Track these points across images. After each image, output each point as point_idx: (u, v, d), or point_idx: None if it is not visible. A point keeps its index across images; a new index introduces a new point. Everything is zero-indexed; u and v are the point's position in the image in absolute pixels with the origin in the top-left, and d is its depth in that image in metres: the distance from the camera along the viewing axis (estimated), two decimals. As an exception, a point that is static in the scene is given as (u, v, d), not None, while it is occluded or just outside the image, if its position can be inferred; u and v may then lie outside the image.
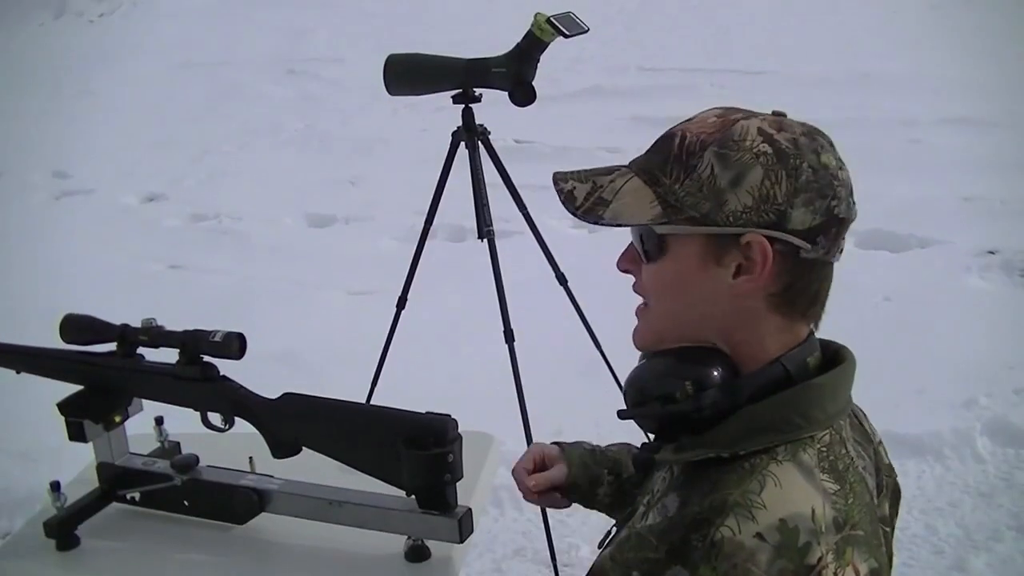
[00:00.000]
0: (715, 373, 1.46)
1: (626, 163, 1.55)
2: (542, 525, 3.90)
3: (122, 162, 10.61)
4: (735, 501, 1.35)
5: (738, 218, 1.42)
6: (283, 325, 5.62)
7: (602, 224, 1.49)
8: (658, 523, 1.42)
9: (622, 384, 1.58)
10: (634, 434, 1.82)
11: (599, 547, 1.65)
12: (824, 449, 1.45)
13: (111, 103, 13.82)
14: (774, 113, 1.49)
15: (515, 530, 4.20)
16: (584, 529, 4.16)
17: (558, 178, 1.55)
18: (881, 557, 1.44)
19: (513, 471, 2.08)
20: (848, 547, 1.37)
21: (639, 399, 1.52)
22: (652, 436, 1.55)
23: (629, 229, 1.54)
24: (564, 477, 2.07)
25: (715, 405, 1.45)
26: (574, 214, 1.51)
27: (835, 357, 1.55)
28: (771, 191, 1.41)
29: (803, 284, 1.47)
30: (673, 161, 1.46)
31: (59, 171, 10.51)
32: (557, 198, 1.55)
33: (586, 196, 1.50)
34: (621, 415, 1.56)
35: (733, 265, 1.45)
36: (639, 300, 1.59)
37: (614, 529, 1.69)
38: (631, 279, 1.58)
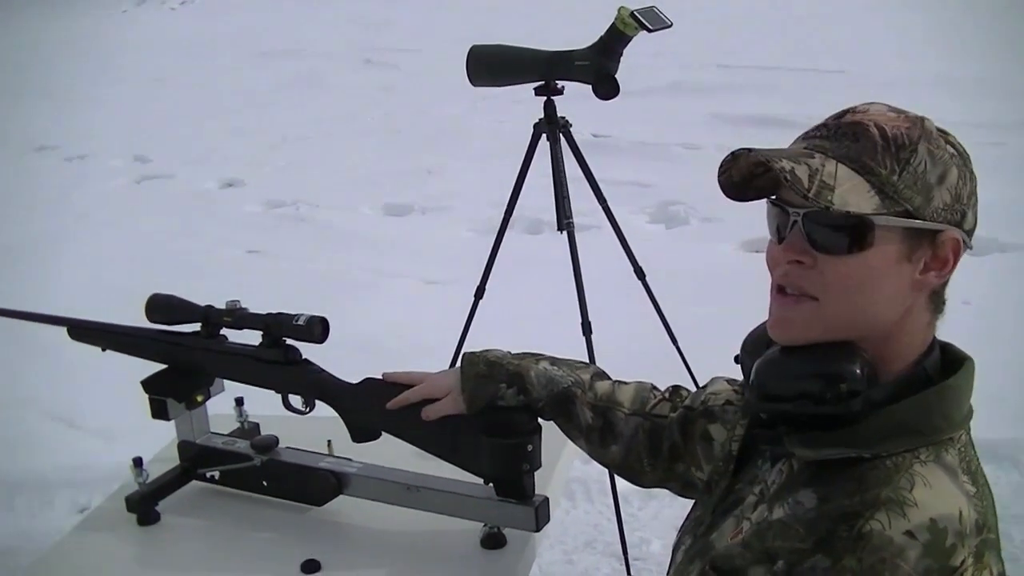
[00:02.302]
0: (860, 372, 1.43)
1: (790, 146, 1.51)
2: (613, 518, 3.90)
3: (201, 148, 10.73)
4: (887, 497, 1.35)
5: (939, 214, 1.42)
6: (359, 312, 5.63)
7: (832, 211, 1.39)
8: (802, 515, 1.41)
9: (751, 374, 1.53)
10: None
11: (683, 531, 1.65)
12: (962, 450, 1.45)
13: (192, 89, 13.98)
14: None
15: (586, 522, 4.20)
16: (655, 524, 4.15)
17: (770, 158, 1.42)
18: (1002, 561, 1.44)
19: (408, 392, 2.09)
20: (986, 550, 1.37)
21: (778, 394, 1.48)
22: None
23: (768, 214, 1.52)
24: (460, 407, 2.04)
25: (858, 404, 1.42)
26: (804, 196, 1.40)
27: (951, 356, 1.53)
28: (962, 191, 1.43)
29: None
30: (883, 151, 1.42)
31: (140, 155, 10.65)
32: (717, 184, 1.52)
33: (809, 179, 1.41)
34: (759, 408, 1.53)
35: (921, 261, 1.44)
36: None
37: (700, 514, 1.68)
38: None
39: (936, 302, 1.49)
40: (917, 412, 1.42)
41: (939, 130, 1.46)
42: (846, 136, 1.45)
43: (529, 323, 4.92)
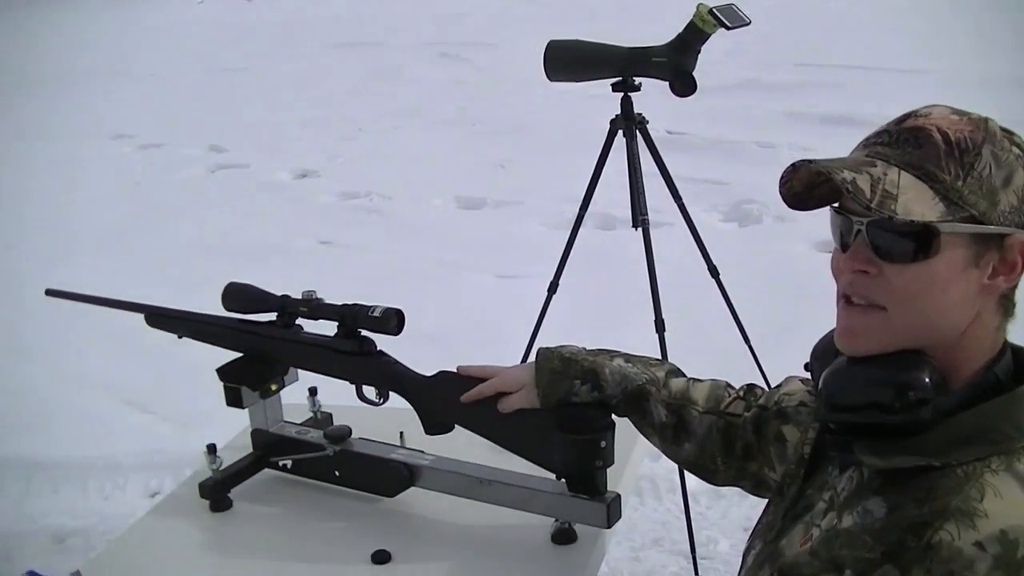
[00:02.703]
0: (928, 381, 1.40)
1: (851, 154, 1.50)
2: (681, 516, 3.88)
3: (276, 138, 10.80)
4: (956, 507, 1.32)
5: (1006, 218, 1.39)
6: (431, 305, 5.65)
7: (896, 219, 1.37)
8: (869, 524, 1.40)
9: (818, 384, 1.52)
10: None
11: (755, 535, 1.63)
12: None
13: (266, 80, 14.09)
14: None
15: (654, 520, 4.19)
16: (723, 523, 4.14)
17: (830, 169, 1.41)
18: None
19: (482, 386, 2.09)
20: None
21: (846, 404, 1.46)
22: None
23: (831, 222, 1.49)
24: (533, 401, 2.04)
25: (927, 412, 1.39)
26: (866, 207, 1.38)
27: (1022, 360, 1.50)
28: None
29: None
30: (946, 157, 1.40)
31: (215, 145, 10.73)
32: (778, 191, 1.50)
33: (871, 188, 1.38)
34: (828, 417, 1.50)
35: (989, 266, 1.41)
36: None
37: (770, 520, 1.66)
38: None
39: (1006, 306, 1.46)
40: (988, 420, 1.39)
41: (1003, 130, 1.43)
42: (908, 142, 1.42)
43: (601, 319, 4.93)
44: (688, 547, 3.72)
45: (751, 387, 1.99)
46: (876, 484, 1.44)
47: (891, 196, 1.37)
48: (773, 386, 1.93)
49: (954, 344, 1.44)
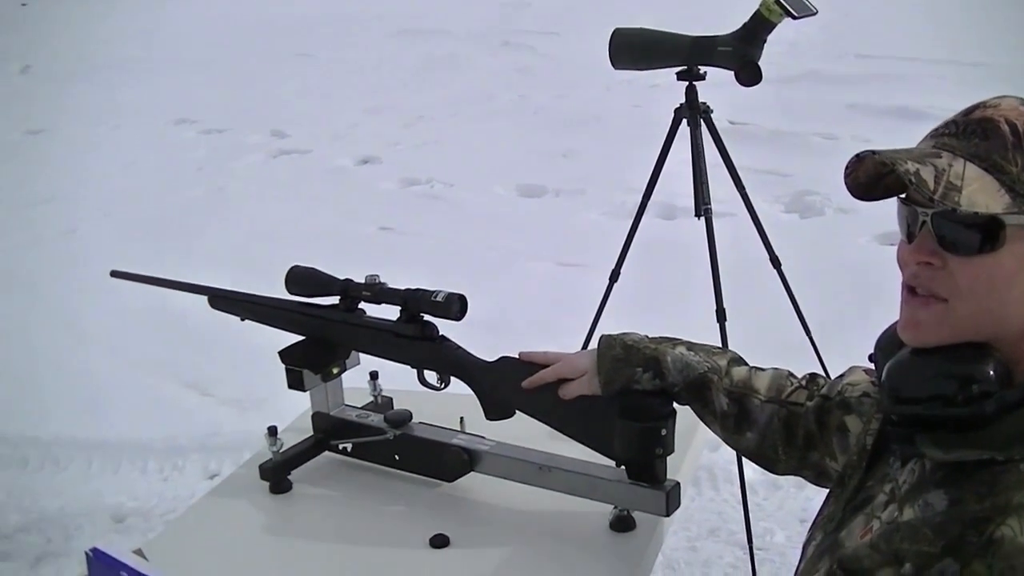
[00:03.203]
0: (992, 374, 1.39)
1: (918, 145, 1.48)
2: (738, 506, 3.87)
3: (338, 124, 10.84)
4: (1019, 503, 1.30)
5: None
6: (492, 292, 5.64)
7: (959, 211, 1.37)
8: (930, 517, 1.38)
9: (881, 375, 1.51)
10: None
11: (817, 526, 1.62)
12: None
13: (328, 66, 14.13)
14: None
15: (711, 510, 4.18)
16: (780, 514, 4.12)
17: (894, 160, 1.40)
18: None
19: (544, 372, 2.09)
20: None
21: (909, 396, 1.45)
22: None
23: (898, 213, 1.48)
24: (595, 388, 2.04)
25: (991, 405, 1.38)
26: (929, 198, 1.38)
27: None
28: None
29: None
30: (1013, 148, 1.38)
31: (277, 131, 10.78)
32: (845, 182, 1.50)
33: (935, 180, 1.38)
34: (891, 409, 1.49)
35: None
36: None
37: (832, 510, 1.65)
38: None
39: None
40: None
41: None
42: (975, 133, 1.40)
43: (662, 308, 4.92)
44: (744, 538, 3.71)
45: (813, 376, 1.98)
46: (938, 477, 1.42)
47: (955, 188, 1.36)
48: (836, 376, 1.91)
49: (1019, 338, 1.42)
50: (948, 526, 1.35)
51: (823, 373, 2.12)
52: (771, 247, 3.70)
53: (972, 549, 1.30)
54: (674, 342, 2.03)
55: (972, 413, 1.38)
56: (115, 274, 2.55)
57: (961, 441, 1.39)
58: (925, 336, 1.46)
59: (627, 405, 1.99)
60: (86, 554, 1.64)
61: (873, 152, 1.44)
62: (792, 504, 4.17)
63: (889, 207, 1.50)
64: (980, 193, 1.36)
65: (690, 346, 2.03)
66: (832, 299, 5.20)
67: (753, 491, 3.98)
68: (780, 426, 1.94)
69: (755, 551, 3.66)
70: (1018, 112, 1.40)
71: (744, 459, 3.44)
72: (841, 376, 1.90)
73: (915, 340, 1.47)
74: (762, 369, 2.01)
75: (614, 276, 3.76)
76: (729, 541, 4.01)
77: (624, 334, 2.05)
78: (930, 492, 1.41)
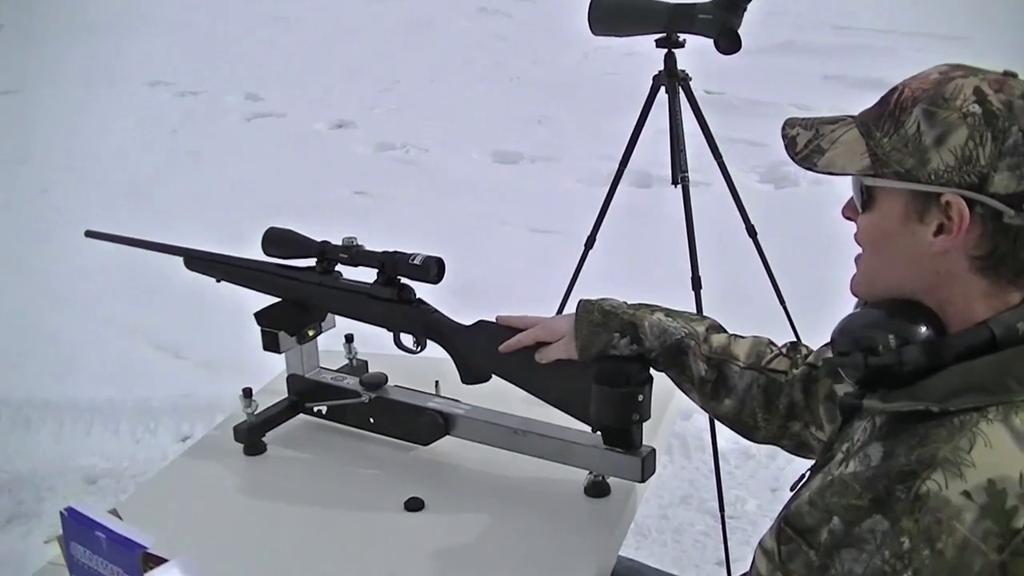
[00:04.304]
0: (918, 329, 1.44)
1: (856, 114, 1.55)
2: (709, 474, 3.89)
3: (313, 88, 10.80)
4: (944, 456, 1.32)
5: (939, 177, 1.40)
6: (463, 257, 5.59)
7: (816, 171, 1.51)
8: (861, 472, 1.40)
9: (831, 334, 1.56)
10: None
11: (791, 490, 1.63)
12: None
13: (304, 30, 14.05)
14: (1004, 73, 1.45)
15: (683, 478, 4.20)
16: (752, 483, 4.14)
17: (787, 124, 1.56)
18: None
19: (521, 336, 2.10)
20: None
21: (843, 348, 1.51)
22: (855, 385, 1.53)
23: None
24: (572, 353, 2.04)
25: (916, 361, 1.42)
26: (793, 159, 1.53)
27: None
28: (974, 152, 1.38)
29: (1007, 250, 1.42)
30: (887, 115, 1.46)
31: (252, 94, 10.73)
32: (781, 147, 1.56)
33: (806, 143, 1.52)
34: (826, 362, 1.56)
35: (934, 224, 1.42)
36: (851, 255, 1.57)
37: (807, 474, 1.66)
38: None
39: (983, 268, 1.44)
40: (988, 371, 1.40)
41: (990, 88, 1.41)
42: (879, 102, 1.51)
43: (637, 276, 4.91)
44: (715, 505, 3.71)
45: (795, 344, 1.99)
46: (882, 432, 1.45)
47: (820, 150, 1.50)
48: (822, 344, 1.92)
49: (940, 299, 1.47)
50: (876, 480, 1.36)
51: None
52: (747, 216, 3.70)
53: (901, 506, 1.31)
54: (652, 308, 2.03)
55: (897, 364, 1.43)
56: (89, 234, 2.53)
57: (899, 394, 1.43)
58: (855, 288, 1.58)
59: (604, 370, 1.99)
60: (61, 514, 1.64)
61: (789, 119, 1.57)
62: (764, 473, 4.19)
63: None
64: (841, 156, 1.48)
65: (668, 312, 2.03)
66: (806, 270, 5.20)
67: (725, 460, 3.98)
68: (759, 393, 1.95)
69: (727, 519, 3.66)
70: (923, 82, 1.46)
71: (718, 428, 3.47)
72: (827, 345, 1.90)
73: (852, 292, 1.59)
74: (741, 336, 2.01)
75: (589, 243, 3.75)
76: (700, 509, 4.02)
77: (602, 299, 2.04)
78: (872, 445, 1.43)
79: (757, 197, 6.45)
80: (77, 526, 1.61)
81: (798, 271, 4.33)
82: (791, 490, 1.65)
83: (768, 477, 4.17)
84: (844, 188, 1.57)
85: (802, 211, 6.67)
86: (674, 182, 3.57)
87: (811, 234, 6.13)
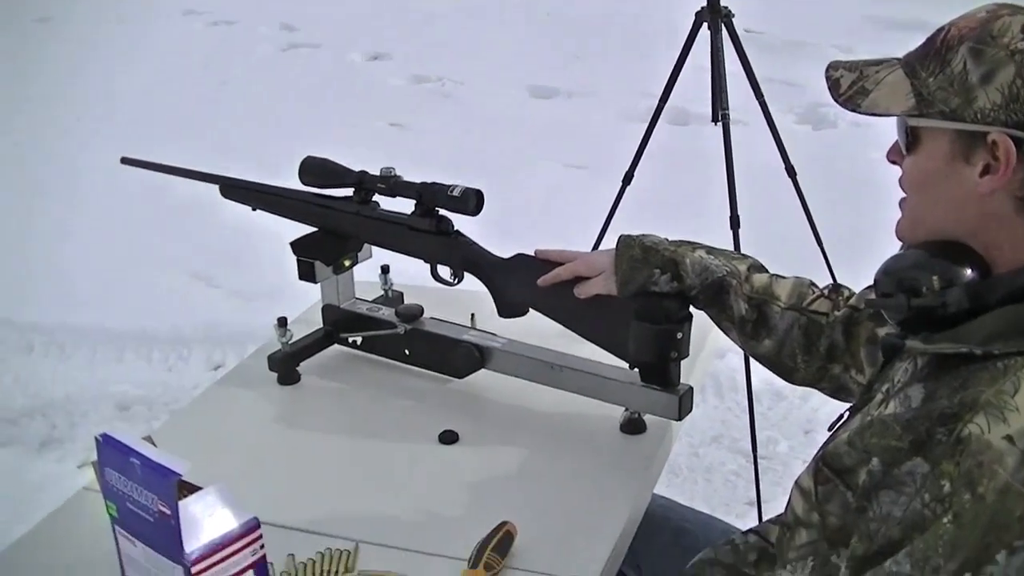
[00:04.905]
0: (963, 271, 1.42)
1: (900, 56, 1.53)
2: (741, 414, 3.88)
3: (349, 19, 10.71)
4: (987, 400, 1.30)
5: (986, 115, 1.38)
6: (498, 192, 5.59)
7: (860, 112, 1.49)
8: (902, 413, 1.38)
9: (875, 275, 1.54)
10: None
11: (829, 430, 1.62)
12: None
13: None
14: None
15: (715, 417, 4.19)
16: (784, 424, 4.13)
17: (831, 66, 1.54)
18: None
19: (560, 269, 2.08)
20: None
21: (887, 289, 1.49)
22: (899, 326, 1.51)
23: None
24: (611, 288, 2.02)
25: (959, 304, 1.41)
26: (836, 101, 1.51)
27: None
28: (1022, 90, 1.36)
29: None
30: (932, 54, 1.44)
31: (286, 24, 10.67)
32: (825, 87, 1.53)
33: (850, 85, 1.50)
34: (868, 304, 1.55)
35: (980, 164, 1.40)
36: (896, 197, 1.54)
37: (846, 414, 1.64)
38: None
39: None
40: None
41: None
42: (925, 42, 1.48)
43: (674, 214, 4.88)
44: (747, 445, 3.71)
45: (837, 286, 1.96)
46: (923, 373, 1.43)
47: (864, 92, 1.49)
48: (864, 286, 1.89)
49: (985, 242, 1.44)
50: (917, 422, 1.34)
51: (834, 281, 2.11)
52: (787, 156, 3.66)
53: (941, 449, 1.30)
54: (694, 245, 2.01)
55: (940, 307, 1.42)
56: (125, 161, 2.52)
57: (942, 336, 1.41)
58: (900, 232, 1.55)
59: (643, 307, 1.96)
60: (96, 439, 1.63)
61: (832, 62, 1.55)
62: (797, 414, 4.18)
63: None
64: (886, 97, 1.47)
65: (710, 250, 2.01)
66: (843, 212, 5.17)
67: (758, 400, 3.96)
68: (800, 334, 1.93)
69: (758, 459, 3.66)
70: (969, 20, 1.43)
71: (752, 368, 3.45)
72: (869, 287, 1.87)
73: (897, 236, 1.56)
74: (783, 277, 1.99)
75: (627, 179, 3.72)
76: (732, 449, 4.02)
77: (643, 235, 2.02)
78: (913, 387, 1.42)
79: (795, 138, 6.37)
80: (112, 452, 1.60)
81: (835, 213, 4.30)
82: (829, 430, 1.63)
83: (801, 418, 4.15)
84: (883, 131, 1.55)
85: (840, 153, 6.63)
86: (714, 119, 3.53)
87: (849, 176, 6.10)
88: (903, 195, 1.54)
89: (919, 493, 1.30)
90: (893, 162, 1.54)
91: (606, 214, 3.77)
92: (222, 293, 5.31)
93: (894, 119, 1.49)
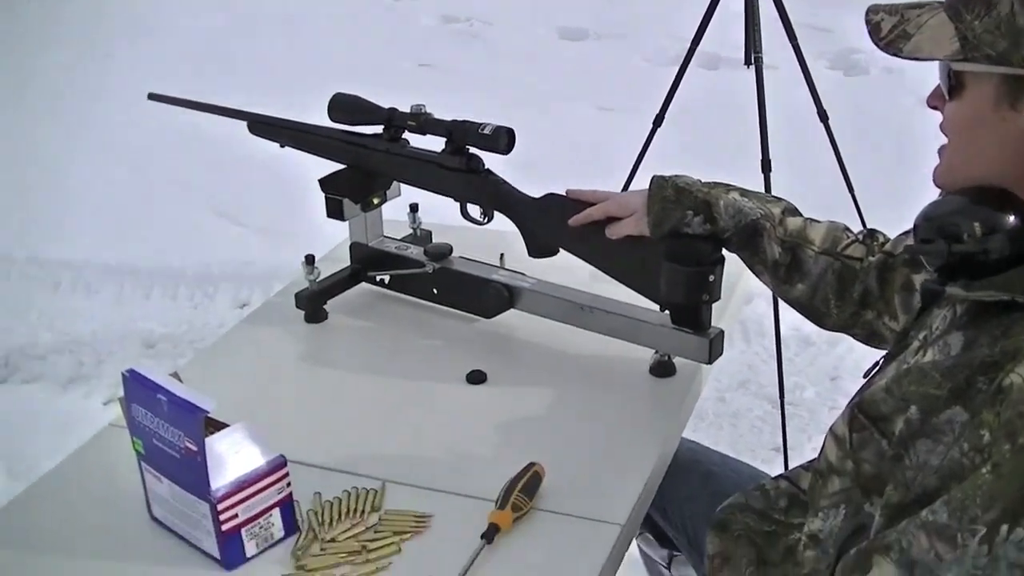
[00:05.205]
0: (1005, 218, 1.39)
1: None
2: (769, 360, 3.86)
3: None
4: None
5: None
6: (529, 133, 5.57)
7: (901, 57, 1.45)
8: (941, 361, 1.36)
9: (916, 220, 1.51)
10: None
11: (863, 377, 1.60)
12: None
13: None
14: None
15: (741, 362, 4.17)
16: (811, 370, 4.11)
17: (871, 10, 1.49)
18: None
19: (592, 209, 2.05)
20: None
21: (927, 235, 1.46)
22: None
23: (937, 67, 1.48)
24: (643, 229, 1.99)
25: (1001, 251, 1.38)
26: (877, 45, 1.46)
27: None
28: None
29: None
30: None
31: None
32: (858, 33, 1.51)
33: (891, 28, 1.45)
34: (907, 249, 1.51)
35: None
36: (936, 144, 1.51)
37: (880, 361, 1.62)
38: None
39: None
40: None
41: None
42: None
43: (705, 157, 4.85)
44: (773, 391, 3.69)
45: (872, 232, 1.94)
46: (963, 321, 1.41)
47: (906, 35, 1.44)
48: (900, 233, 1.87)
49: (1018, 181, 1.42)
50: (957, 370, 1.32)
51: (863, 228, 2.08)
52: (819, 100, 3.62)
53: (981, 398, 1.27)
54: (727, 187, 1.98)
55: (981, 253, 1.39)
56: (152, 97, 2.50)
57: (984, 284, 1.38)
58: (939, 178, 1.52)
59: (675, 248, 1.94)
60: (123, 375, 1.62)
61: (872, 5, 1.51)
62: (824, 361, 4.15)
63: (935, 71, 1.49)
64: (928, 41, 1.42)
65: (744, 192, 1.98)
66: (874, 158, 5.13)
67: (785, 346, 3.93)
68: (834, 279, 1.90)
69: (785, 405, 3.64)
70: None
71: (780, 315, 3.43)
72: (905, 233, 1.85)
73: (936, 183, 1.52)
74: (817, 221, 1.96)
75: (658, 121, 3.69)
76: (759, 394, 4.00)
77: (676, 176, 1.99)
78: (952, 334, 1.40)
79: (826, 84, 6.34)
80: (139, 388, 1.60)
81: (866, 159, 4.27)
82: (864, 377, 1.61)
83: (827, 365, 4.13)
84: (916, 77, 1.53)
85: (872, 100, 6.57)
86: (747, 62, 3.51)
87: (880, 123, 6.06)
88: (943, 141, 1.51)
89: (957, 442, 1.28)
90: (934, 107, 1.50)
91: (635, 156, 3.74)
92: (248, 231, 5.31)
93: (934, 64, 1.46)
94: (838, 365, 4.11)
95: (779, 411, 3.58)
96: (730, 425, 3.86)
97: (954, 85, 1.43)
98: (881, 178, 4.69)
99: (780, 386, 3.55)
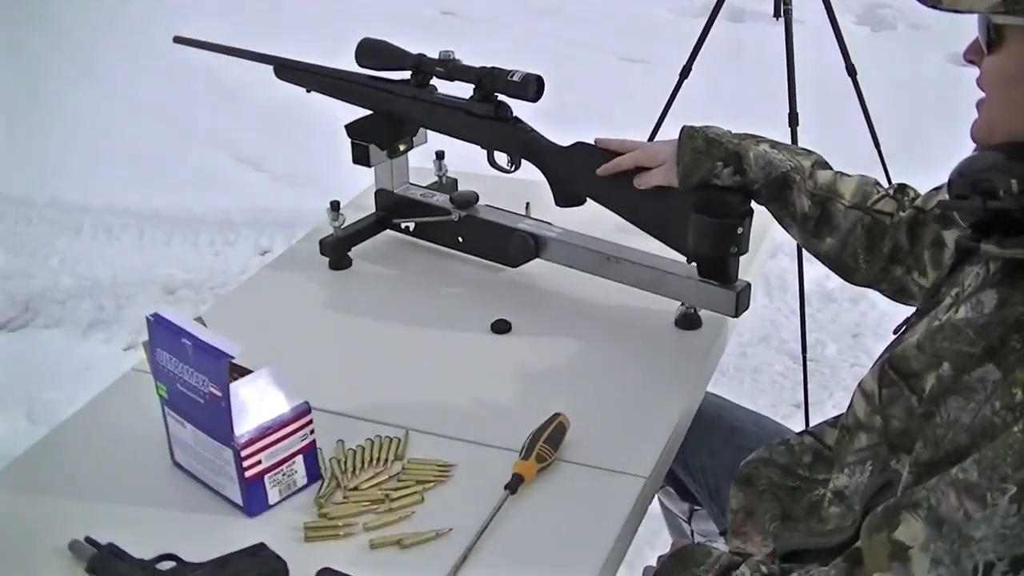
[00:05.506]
0: None
1: None
2: (791, 315, 3.84)
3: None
4: None
5: None
6: (554, 82, 5.54)
7: (940, 9, 1.40)
8: (975, 318, 1.34)
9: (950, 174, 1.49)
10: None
11: (894, 332, 1.58)
12: None
13: None
14: None
15: (764, 317, 4.15)
16: (833, 327, 4.10)
17: None
18: None
19: (620, 159, 2.03)
20: None
21: (961, 191, 1.43)
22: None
23: (976, 21, 1.44)
24: (672, 179, 1.97)
25: None
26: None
27: None
28: None
29: None
30: None
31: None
32: None
33: None
34: (940, 204, 1.47)
35: None
36: (976, 96, 1.48)
37: (911, 318, 1.60)
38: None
39: None
40: None
41: None
42: None
43: (731, 109, 4.81)
44: (795, 347, 3.68)
45: (903, 187, 1.91)
46: (996, 279, 1.38)
47: None
48: (931, 188, 1.85)
49: None
50: (991, 328, 1.30)
51: (888, 182, 2.06)
52: (848, 54, 3.59)
53: (1015, 357, 1.25)
54: (758, 139, 1.96)
55: (1014, 208, 1.35)
56: (178, 40, 2.48)
57: (1020, 240, 1.35)
58: (977, 134, 1.47)
59: (704, 199, 1.92)
60: (147, 319, 1.62)
61: None
62: (846, 317, 4.14)
63: (962, 24, 1.46)
64: None
65: (774, 144, 1.95)
66: (901, 114, 5.09)
67: (808, 302, 3.93)
68: (863, 234, 1.88)
69: (807, 361, 3.63)
70: None
71: (805, 270, 3.41)
72: (937, 189, 1.82)
73: (973, 139, 1.48)
74: (847, 174, 1.94)
75: (685, 72, 3.65)
76: (780, 350, 3.99)
77: (707, 127, 1.97)
78: (985, 291, 1.37)
79: (853, 38, 6.31)
80: (163, 332, 1.59)
81: (893, 114, 4.23)
82: (894, 333, 1.60)
83: (849, 322, 4.12)
84: (943, 32, 1.51)
85: (899, 56, 6.52)
86: (776, 14, 3.47)
87: (907, 78, 6.01)
88: (980, 96, 1.46)
89: (989, 400, 1.26)
90: (971, 61, 1.46)
91: (661, 108, 3.72)
92: (269, 178, 5.30)
93: (963, 20, 1.43)
94: (860, 322, 4.09)
95: (800, 367, 3.57)
96: (751, 380, 3.85)
97: (993, 39, 1.39)
98: (908, 133, 4.65)
99: (803, 342, 3.54)
